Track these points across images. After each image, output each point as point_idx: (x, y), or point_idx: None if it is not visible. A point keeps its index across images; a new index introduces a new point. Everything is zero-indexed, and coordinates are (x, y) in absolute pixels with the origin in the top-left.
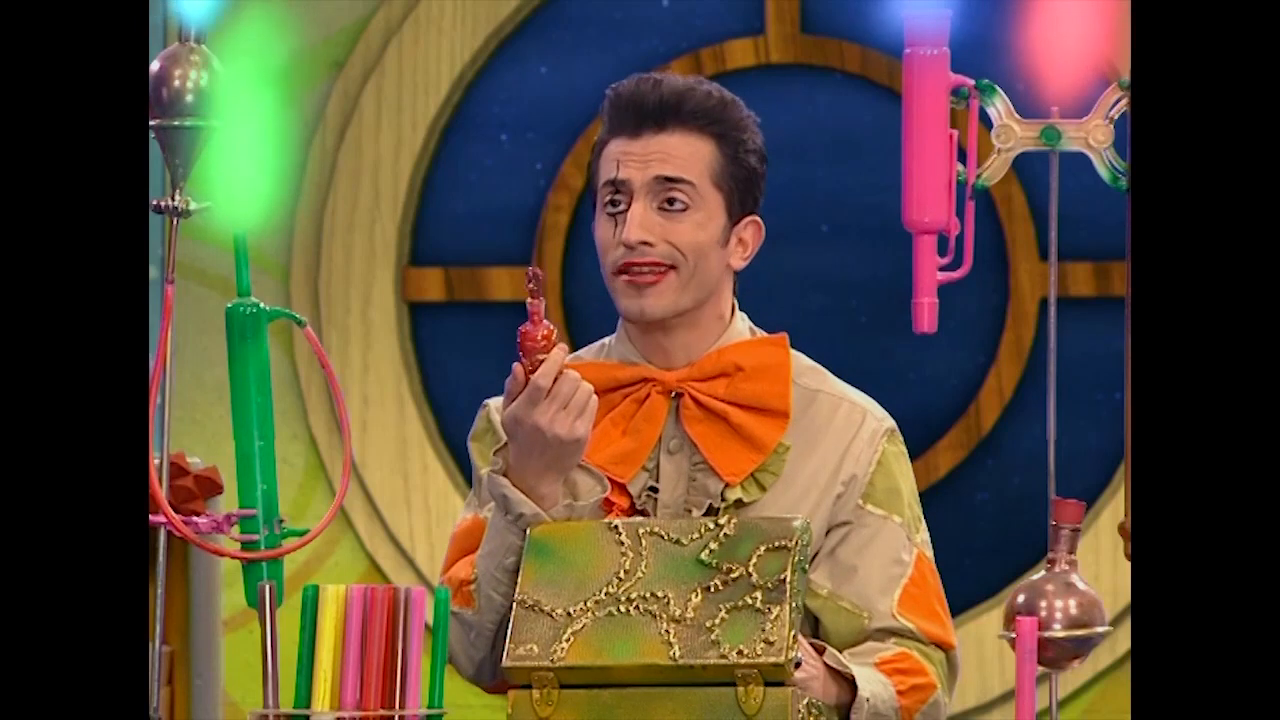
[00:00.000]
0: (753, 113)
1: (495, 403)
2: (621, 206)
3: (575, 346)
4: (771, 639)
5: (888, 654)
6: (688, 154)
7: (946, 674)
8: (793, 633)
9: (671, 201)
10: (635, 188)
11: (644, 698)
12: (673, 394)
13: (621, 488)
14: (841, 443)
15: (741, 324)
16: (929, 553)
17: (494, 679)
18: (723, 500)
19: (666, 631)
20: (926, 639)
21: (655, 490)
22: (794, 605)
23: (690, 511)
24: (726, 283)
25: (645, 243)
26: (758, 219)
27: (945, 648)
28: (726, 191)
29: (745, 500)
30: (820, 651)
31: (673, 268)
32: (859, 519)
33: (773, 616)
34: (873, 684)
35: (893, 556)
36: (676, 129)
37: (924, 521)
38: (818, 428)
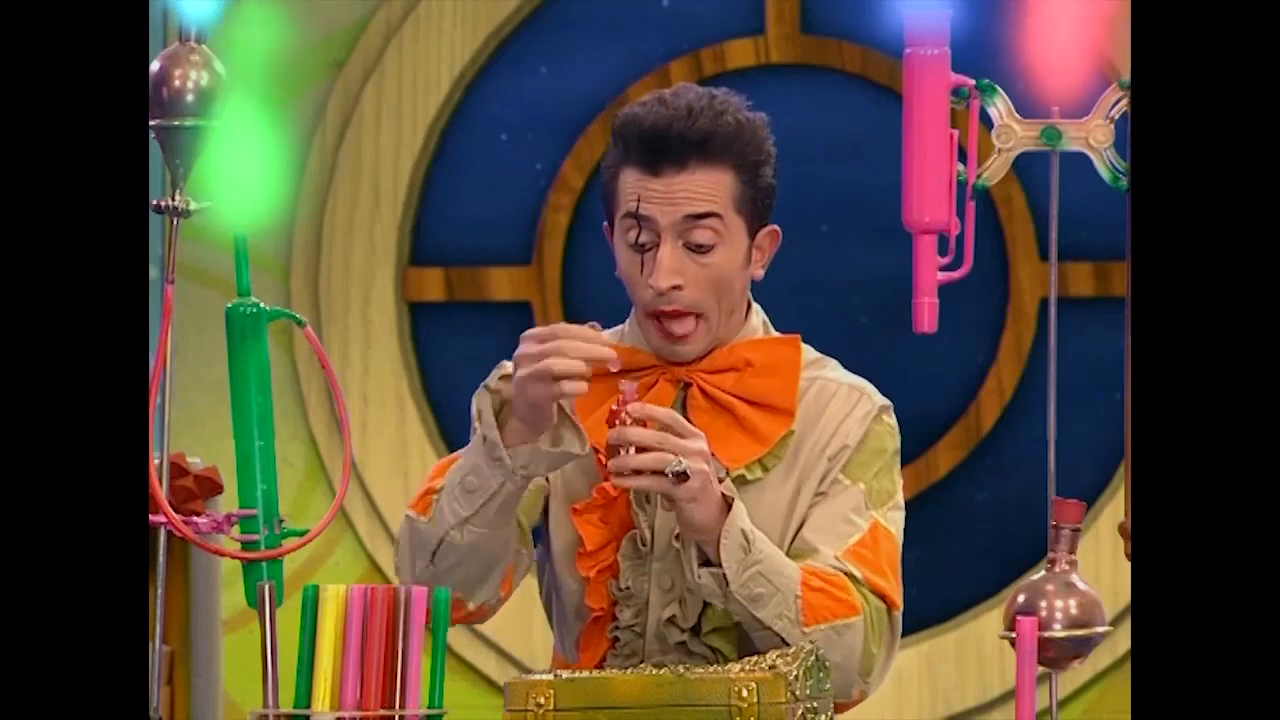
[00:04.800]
0: (762, 116)
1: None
2: (647, 245)
3: None
4: (776, 664)
5: (819, 566)
6: (710, 189)
7: (883, 626)
8: (798, 670)
9: (700, 246)
10: (662, 228)
11: None
12: (681, 383)
13: None
14: (834, 421)
15: (756, 319)
16: (894, 530)
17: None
18: (726, 475)
19: (674, 665)
20: (870, 588)
21: None
22: (806, 660)
23: None
24: (746, 288)
25: (676, 287)
26: (775, 227)
27: (888, 603)
28: (748, 214)
29: (749, 478)
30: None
31: (702, 315)
32: (830, 489)
33: (784, 654)
34: (768, 548)
35: (842, 515)
36: (698, 168)
37: (898, 504)
38: (816, 412)
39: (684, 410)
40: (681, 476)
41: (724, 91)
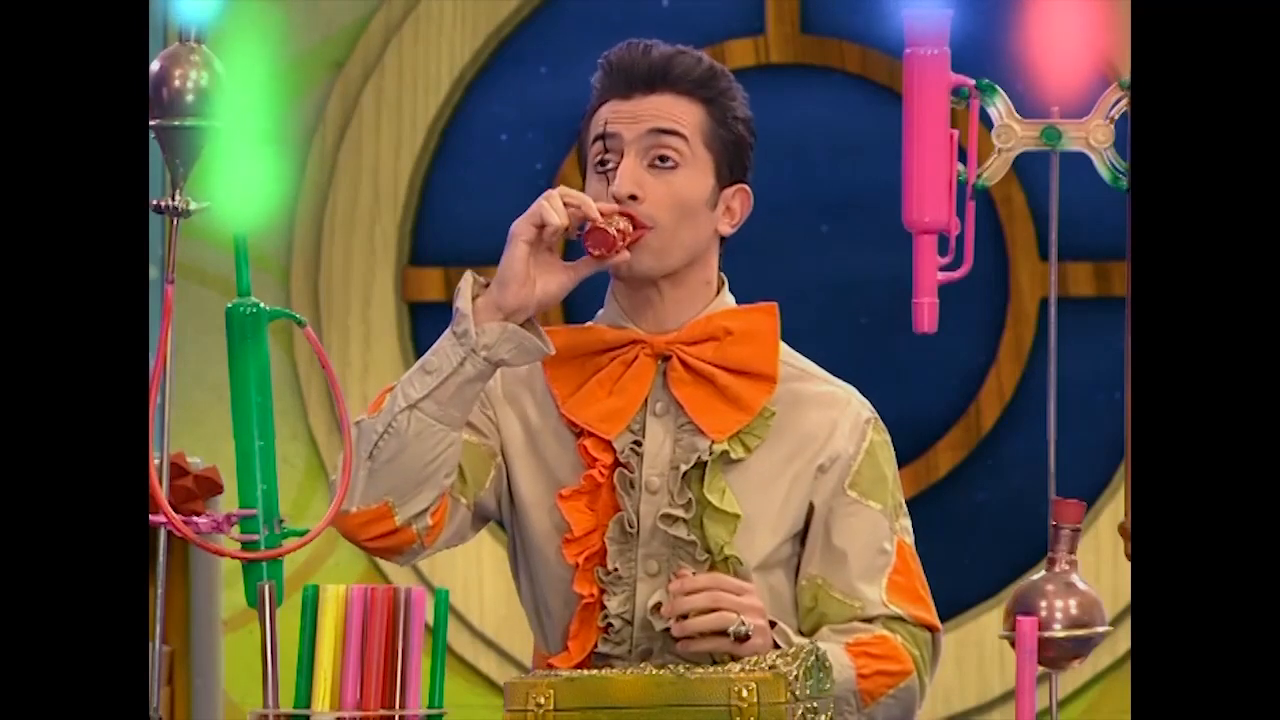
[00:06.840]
0: (740, 85)
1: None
2: (611, 165)
3: None
4: (776, 665)
5: (865, 636)
6: (678, 111)
7: (930, 655)
8: (798, 671)
9: (664, 159)
10: (626, 142)
11: None
12: (660, 357)
13: (606, 444)
14: (827, 419)
15: (729, 295)
16: (909, 539)
17: (354, 503)
18: (710, 454)
19: (674, 665)
20: (915, 623)
21: (639, 445)
22: (806, 661)
23: (677, 469)
24: (713, 249)
25: (633, 196)
26: (746, 188)
27: (931, 629)
28: (716, 154)
29: (732, 456)
30: (771, 625)
31: (649, 228)
32: (846, 507)
33: (785, 654)
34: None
35: (877, 547)
36: (666, 92)
37: (905, 508)
38: (804, 402)
39: (664, 384)
40: (744, 639)
41: None
